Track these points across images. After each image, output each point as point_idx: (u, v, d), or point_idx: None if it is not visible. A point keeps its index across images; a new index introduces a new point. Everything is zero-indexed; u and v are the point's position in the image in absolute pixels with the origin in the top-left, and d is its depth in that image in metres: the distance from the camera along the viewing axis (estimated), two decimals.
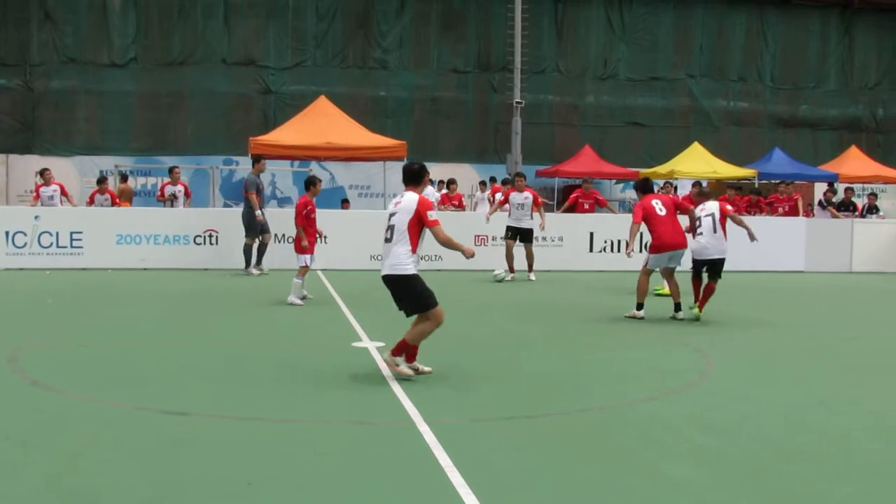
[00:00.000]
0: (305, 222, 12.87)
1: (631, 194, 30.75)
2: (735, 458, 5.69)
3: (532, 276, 16.47)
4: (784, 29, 34.01)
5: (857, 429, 6.54)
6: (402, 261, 7.59)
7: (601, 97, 32.28)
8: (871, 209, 22.39)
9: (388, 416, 6.58)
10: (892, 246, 20.16)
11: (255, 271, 16.89)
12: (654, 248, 11.96)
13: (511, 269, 16.42)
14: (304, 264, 12.85)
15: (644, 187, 12.45)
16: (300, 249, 12.89)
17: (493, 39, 31.07)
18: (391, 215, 7.76)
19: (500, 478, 5.21)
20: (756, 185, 25.84)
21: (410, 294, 7.65)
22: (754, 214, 20.69)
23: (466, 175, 28.49)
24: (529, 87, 28.90)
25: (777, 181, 25.69)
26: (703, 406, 7.06)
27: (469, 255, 7.83)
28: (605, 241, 18.78)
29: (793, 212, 21.46)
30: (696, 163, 26.75)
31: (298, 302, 12.65)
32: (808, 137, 33.92)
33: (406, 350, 7.75)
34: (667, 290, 12.59)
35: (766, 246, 19.01)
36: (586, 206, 19.47)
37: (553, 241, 18.27)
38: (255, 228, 16.85)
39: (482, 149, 31.18)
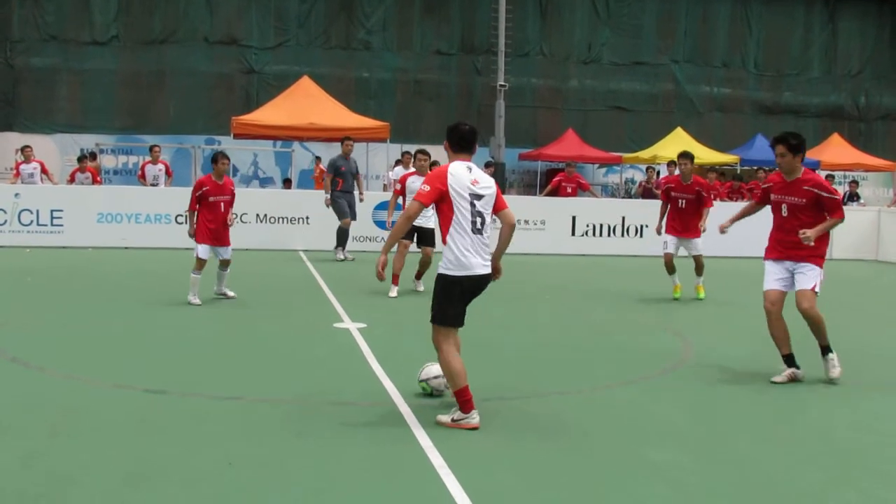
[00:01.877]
0: (196, 205, 10.93)
1: (614, 178, 30.84)
2: (714, 442, 5.74)
3: (420, 287, 12.25)
4: (768, 16, 34.06)
5: (839, 415, 6.61)
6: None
7: (585, 81, 32.27)
8: (853, 196, 22.53)
9: (368, 396, 6.59)
10: (872, 233, 20.29)
11: (340, 255, 16.08)
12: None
13: (394, 280, 11.88)
14: (199, 255, 10.82)
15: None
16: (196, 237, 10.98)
17: (476, 22, 30.98)
18: (478, 197, 5.96)
19: (478, 458, 5.23)
20: (738, 171, 25.96)
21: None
22: (736, 200, 20.78)
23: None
24: (513, 70, 28.86)
25: (758, 167, 25.79)
26: (683, 390, 7.11)
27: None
28: (588, 226, 18.80)
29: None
30: (678, 148, 26.59)
31: (196, 301, 10.68)
32: (791, 124, 33.90)
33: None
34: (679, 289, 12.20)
35: (748, 232, 19.11)
36: (569, 190, 19.50)
37: (535, 224, 18.28)
38: (342, 210, 16.01)
39: None
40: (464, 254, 5.85)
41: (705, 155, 26.86)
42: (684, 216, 12.05)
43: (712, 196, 12.58)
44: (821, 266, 7.49)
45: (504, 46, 27.91)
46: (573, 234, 18.67)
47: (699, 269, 12.27)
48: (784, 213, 7.57)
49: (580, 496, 4.73)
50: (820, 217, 7.42)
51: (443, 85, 31.18)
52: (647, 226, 18.33)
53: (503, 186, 26.73)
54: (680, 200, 12.03)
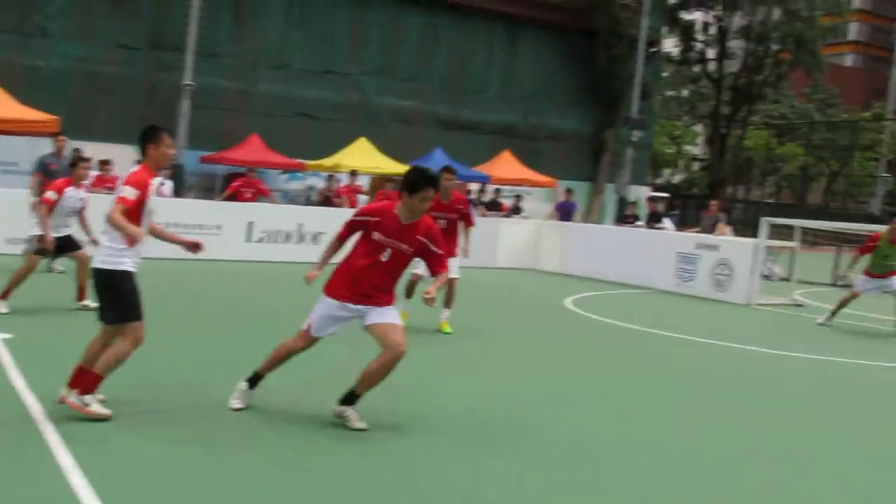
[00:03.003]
0: None
1: (296, 185, 31.02)
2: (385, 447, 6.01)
3: (90, 304, 10.22)
4: (454, 35, 35.75)
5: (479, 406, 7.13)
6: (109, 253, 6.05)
7: (273, 86, 32.24)
8: (516, 210, 24.16)
9: (4, 411, 6.16)
10: (532, 244, 21.90)
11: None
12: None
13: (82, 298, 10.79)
14: None
15: None
16: None
17: (167, 18, 30.00)
18: None
19: (125, 476, 5.04)
20: None
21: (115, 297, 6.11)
22: None
23: (127, 156, 27.33)
24: (201, 69, 28.19)
25: None
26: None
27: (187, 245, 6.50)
28: (264, 232, 18.80)
29: None
30: (360, 157, 27.50)
31: None
32: (468, 139, 35.84)
33: (89, 381, 6.06)
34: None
35: None
36: (248, 196, 19.39)
37: (210, 229, 18.03)
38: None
39: None
40: None
41: (386, 165, 27.73)
42: (444, 236, 10.69)
43: (474, 214, 11.34)
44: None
45: (194, 45, 27.24)
46: (249, 240, 18.59)
47: (451, 298, 10.94)
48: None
49: (214, 496, 4.82)
50: None
51: (125, 80, 29.86)
52: (324, 233, 18.61)
53: (181, 189, 26.08)
54: (440, 220, 10.02)
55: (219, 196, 20.19)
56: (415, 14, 34.68)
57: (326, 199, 21.13)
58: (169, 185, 20.51)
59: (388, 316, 6.34)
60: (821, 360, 11.04)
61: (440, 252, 6.71)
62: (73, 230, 10.91)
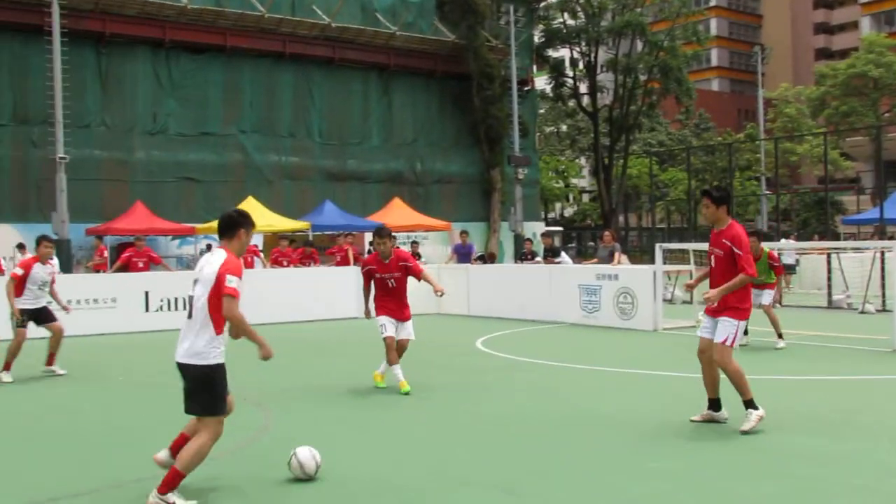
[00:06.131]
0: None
1: (188, 249, 30.27)
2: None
3: (56, 370, 12.20)
4: (329, 88, 35.70)
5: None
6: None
7: (151, 152, 31.50)
8: (414, 256, 23.98)
9: None
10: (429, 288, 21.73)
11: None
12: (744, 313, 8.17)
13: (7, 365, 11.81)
14: None
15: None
16: None
17: (29, 91, 29.04)
18: (194, 282, 6.03)
19: None
20: (310, 237, 26.66)
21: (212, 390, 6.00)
22: (308, 265, 21.26)
23: (6, 235, 26.27)
24: (74, 141, 27.38)
25: (332, 233, 26.62)
26: (266, 460, 7.00)
27: (266, 356, 6.13)
28: (162, 300, 18.18)
29: (344, 261, 22.31)
30: (251, 214, 26.94)
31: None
32: (357, 190, 35.75)
33: (171, 478, 5.82)
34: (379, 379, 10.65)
35: (321, 294, 19.66)
36: (140, 265, 18.76)
37: (106, 302, 17.33)
38: None
39: (23, 207, 28.93)
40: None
41: (277, 222, 27.32)
42: (395, 296, 10.59)
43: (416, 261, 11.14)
44: (737, 319, 7.85)
45: (62, 117, 26.40)
46: (147, 310, 17.94)
47: (399, 355, 10.59)
48: (713, 263, 8.07)
49: None
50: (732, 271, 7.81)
51: None
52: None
53: (69, 264, 25.13)
54: (388, 281, 10.48)
55: (111, 268, 19.40)
56: (286, 71, 34.50)
57: None
58: (55, 262, 19.63)
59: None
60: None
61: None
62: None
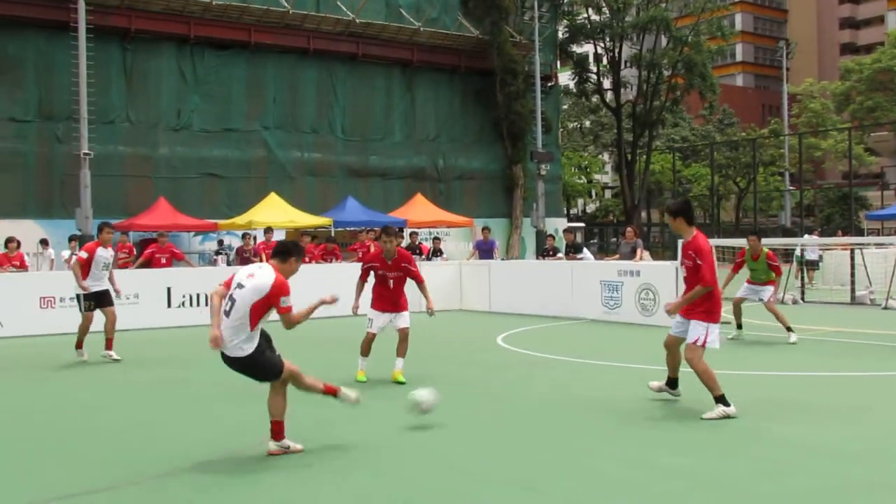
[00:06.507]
0: None
1: (210, 245, 30.42)
2: None
3: (112, 355, 13.14)
4: (352, 84, 35.77)
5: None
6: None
7: (175, 148, 31.67)
8: (436, 252, 24.00)
9: None
10: (456, 285, 21.76)
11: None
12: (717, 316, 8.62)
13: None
14: None
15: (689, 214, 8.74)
16: None
17: (55, 87, 29.26)
18: (238, 286, 7.07)
19: None
20: (332, 233, 26.73)
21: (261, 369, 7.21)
22: (330, 261, 21.31)
23: (30, 232, 26.47)
24: (98, 137, 27.59)
25: (354, 229, 26.66)
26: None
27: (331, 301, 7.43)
28: (184, 296, 18.28)
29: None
30: (273, 213, 27.11)
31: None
32: (379, 186, 35.82)
33: (276, 428, 7.26)
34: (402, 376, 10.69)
35: (344, 291, 19.65)
36: (163, 261, 18.88)
37: (128, 298, 17.43)
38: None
39: (47, 203, 29.19)
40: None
41: (300, 218, 27.41)
42: (393, 292, 10.84)
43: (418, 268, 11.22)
44: (706, 321, 8.40)
45: (87, 113, 26.59)
46: (169, 306, 18.05)
47: (403, 347, 10.83)
48: (685, 273, 8.68)
49: None
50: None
51: (19, 154, 29.03)
52: None
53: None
54: (389, 280, 10.79)
55: (133, 264, 19.52)
56: (310, 67, 34.58)
57: (244, 259, 20.65)
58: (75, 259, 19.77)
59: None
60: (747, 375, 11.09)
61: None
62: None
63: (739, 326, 14.85)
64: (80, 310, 13.19)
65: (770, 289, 14.64)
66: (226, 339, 6.96)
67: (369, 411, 8.56)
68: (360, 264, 11.40)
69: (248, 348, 6.99)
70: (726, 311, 12.50)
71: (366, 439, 7.67)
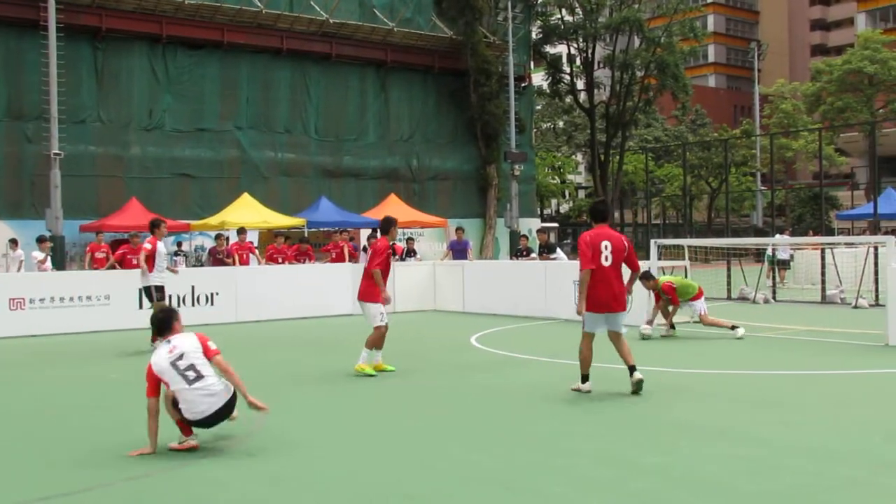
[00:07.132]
0: None
1: (183, 246, 30.21)
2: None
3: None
4: (325, 84, 35.69)
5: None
6: None
7: (147, 148, 31.47)
8: (410, 252, 23.97)
9: None
10: (429, 285, 21.74)
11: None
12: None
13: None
14: None
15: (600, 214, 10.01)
16: None
17: (24, 86, 29.00)
18: (178, 357, 7.19)
19: None
20: (305, 234, 26.63)
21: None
22: (303, 262, 21.22)
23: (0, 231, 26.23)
24: (69, 137, 27.36)
25: (328, 229, 26.60)
26: (261, 457, 7.01)
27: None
28: None
29: (340, 258, 22.30)
30: (246, 213, 26.97)
31: None
32: (353, 186, 35.76)
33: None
34: (369, 368, 10.94)
35: (317, 291, 19.63)
36: (135, 262, 18.65)
37: (99, 300, 17.30)
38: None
39: (17, 204, 28.89)
40: None
41: (273, 219, 27.28)
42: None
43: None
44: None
45: (57, 113, 26.35)
46: (140, 307, 17.90)
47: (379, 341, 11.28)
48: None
49: None
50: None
51: None
52: (218, 293, 18.31)
53: (63, 261, 25.11)
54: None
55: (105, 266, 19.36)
56: (283, 67, 34.48)
57: (217, 261, 20.52)
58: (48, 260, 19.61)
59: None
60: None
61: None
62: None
63: (672, 326, 15.21)
64: (150, 301, 13.94)
65: (699, 302, 14.86)
66: (218, 392, 7.07)
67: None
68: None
69: (229, 388, 7.17)
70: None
71: (339, 436, 7.63)
